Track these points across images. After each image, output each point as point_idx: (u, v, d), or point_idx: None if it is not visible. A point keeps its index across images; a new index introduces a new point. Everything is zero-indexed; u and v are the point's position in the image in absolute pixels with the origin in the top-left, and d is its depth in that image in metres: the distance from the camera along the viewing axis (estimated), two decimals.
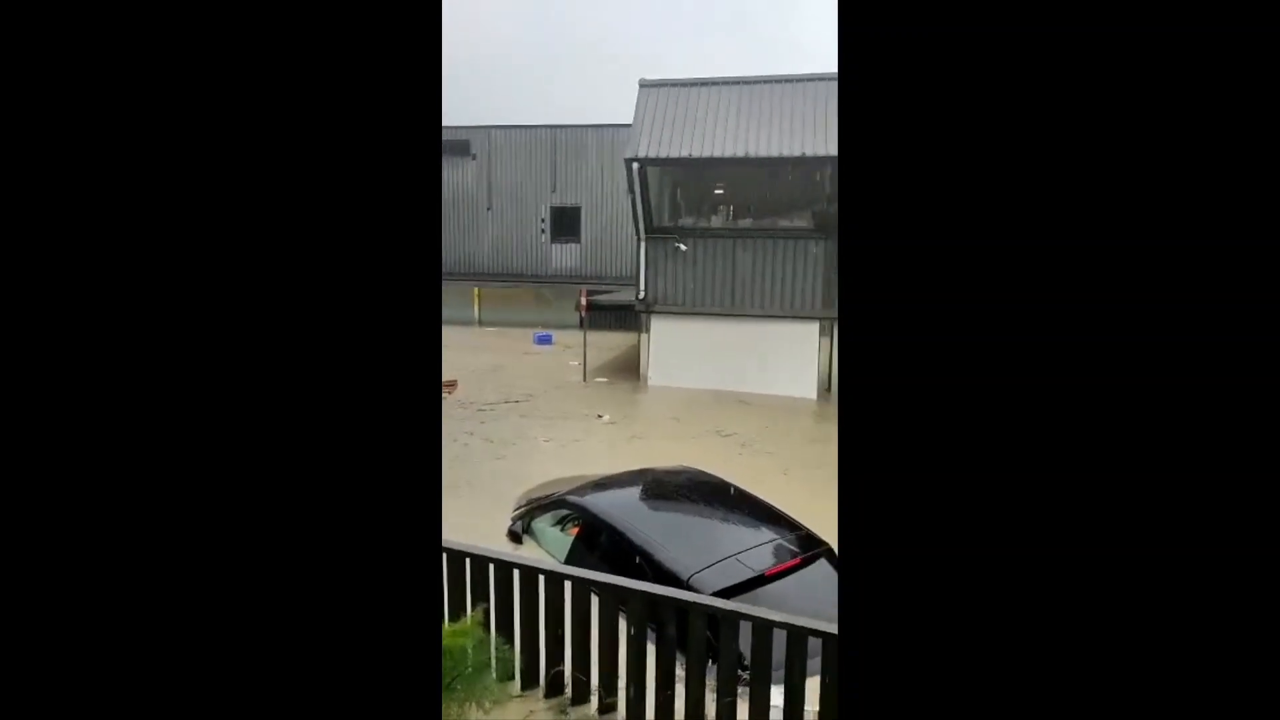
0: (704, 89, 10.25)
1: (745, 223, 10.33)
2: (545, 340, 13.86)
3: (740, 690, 2.90)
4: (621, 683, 3.09)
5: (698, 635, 2.90)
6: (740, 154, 9.52)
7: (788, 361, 10.06)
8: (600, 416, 8.72)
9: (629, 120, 10.26)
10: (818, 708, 2.74)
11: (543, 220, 16.03)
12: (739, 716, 2.90)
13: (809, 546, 3.94)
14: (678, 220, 10.51)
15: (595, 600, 3.10)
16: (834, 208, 9.60)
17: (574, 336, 12.40)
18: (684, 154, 9.63)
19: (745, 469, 6.30)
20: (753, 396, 9.70)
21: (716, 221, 10.48)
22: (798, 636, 2.75)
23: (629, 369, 11.17)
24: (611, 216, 15.39)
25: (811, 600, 3.36)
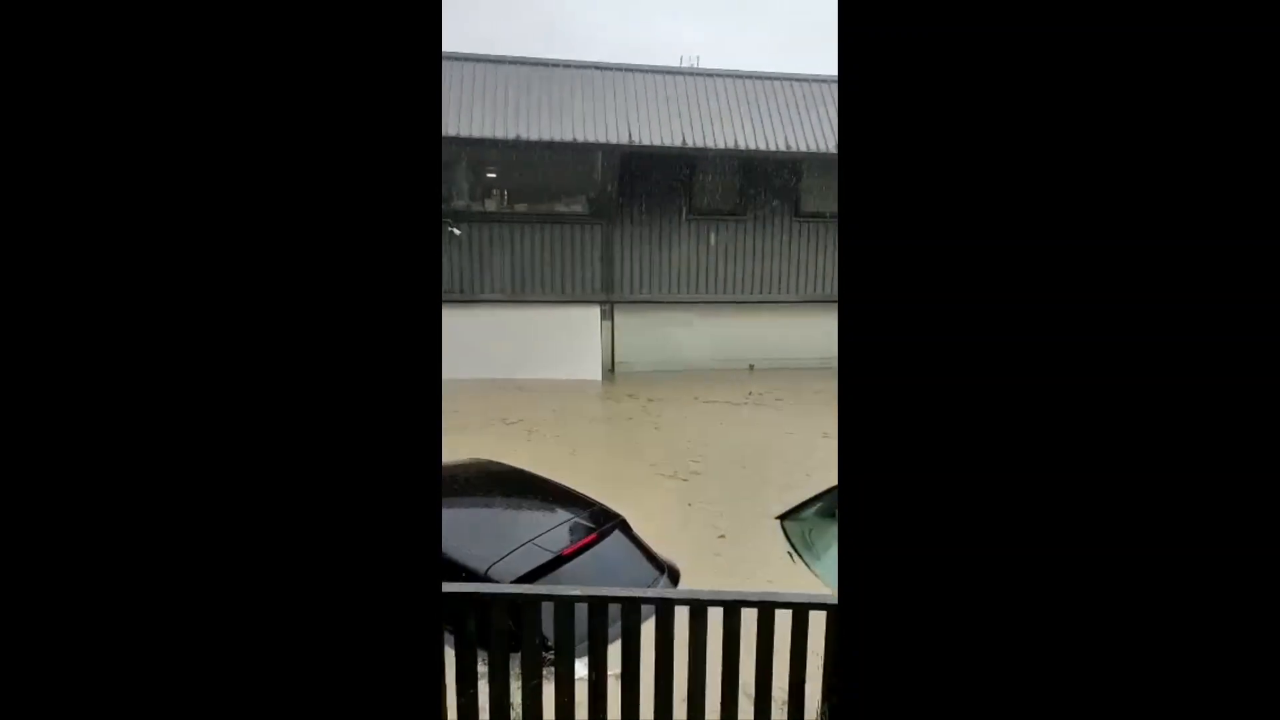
0: (468, 65, 9.84)
1: (521, 207, 10.21)
2: None
3: (546, 672, 2.89)
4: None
5: (499, 626, 2.81)
6: (512, 136, 9.36)
7: (572, 345, 10.24)
8: None
9: None
10: (620, 670, 2.85)
11: None
12: (545, 697, 2.89)
13: (603, 521, 4.06)
14: (450, 203, 10.00)
15: None
16: (608, 192, 9.94)
17: None
18: (452, 133, 9.17)
19: (535, 454, 6.29)
20: (540, 382, 9.70)
21: (491, 205, 10.20)
22: (598, 607, 2.81)
23: None
24: None
25: (610, 571, 3.47)
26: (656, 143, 9.58)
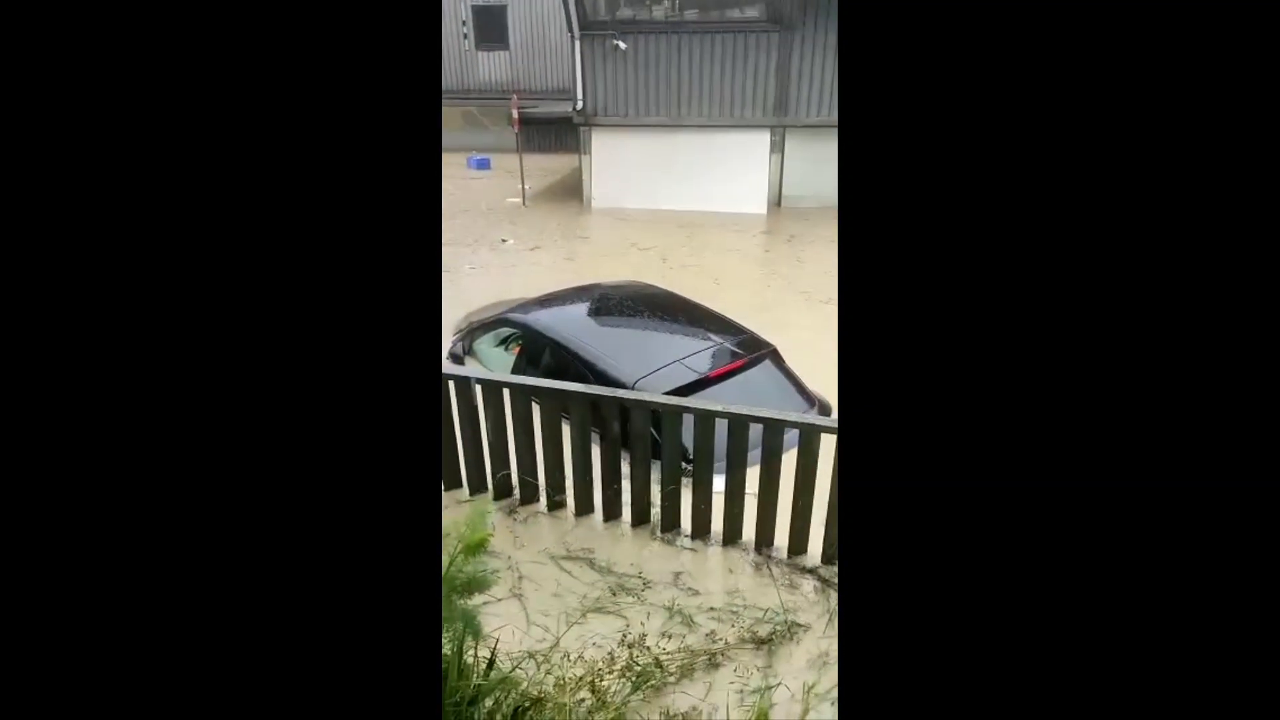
0: None
1: (691, 13, 9.21)
2: (482, 164, 12.81)
3: (685, 481, 3.00)
4: (569, 482, 3.15)
5: (640, 431, 2.91)
6: None
7: (736, 175, 9.62)
8: (505, 240, 8.32)
9: None
10: (758, 490, 2.86)
11: (464, 23, 14.03)
12: (683, 502, 3.02)
13: (754, 349, 3.95)
14: (615, 13, 9.29)
15: (537, 408, 3.05)
16: None
17: (512, 160, 11.45)
18: None
19: (687, 283, 6.21)
20: (703, 215, 9.37)
21: (659, 12, 9.31)
22: (738, 425, 2.78)
23: (573, 192, 10.54)
24: (542, 14, 13.56)
25: (757, 398, 3.40)
26: None
